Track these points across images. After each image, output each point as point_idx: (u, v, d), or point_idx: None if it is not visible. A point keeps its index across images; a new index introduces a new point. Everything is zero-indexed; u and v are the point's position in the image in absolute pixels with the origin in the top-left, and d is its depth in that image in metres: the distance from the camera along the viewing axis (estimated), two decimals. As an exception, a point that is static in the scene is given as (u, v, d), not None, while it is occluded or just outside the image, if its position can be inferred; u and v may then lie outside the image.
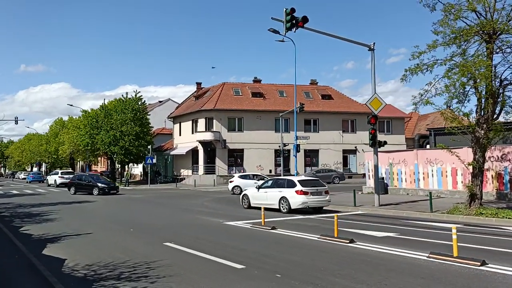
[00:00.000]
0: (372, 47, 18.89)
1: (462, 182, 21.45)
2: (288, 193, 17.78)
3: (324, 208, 18.70)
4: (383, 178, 24.63)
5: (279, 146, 43.11)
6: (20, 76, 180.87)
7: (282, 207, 17.92)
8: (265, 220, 13.77)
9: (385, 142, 19.45)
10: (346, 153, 46.87)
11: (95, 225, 15.42)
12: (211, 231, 13.29)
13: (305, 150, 45.75)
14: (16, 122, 53.59)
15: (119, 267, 8.48)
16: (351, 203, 19.77)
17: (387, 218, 16.09)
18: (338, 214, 14.56)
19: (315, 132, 46.42)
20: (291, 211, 17.61)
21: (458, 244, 8.71)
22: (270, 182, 19.83)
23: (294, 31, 16.53)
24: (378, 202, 18.91)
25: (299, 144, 25.76)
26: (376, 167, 19.48)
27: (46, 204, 24.13)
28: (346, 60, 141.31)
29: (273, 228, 13.05)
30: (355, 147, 46.95)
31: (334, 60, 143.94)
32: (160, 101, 68.21)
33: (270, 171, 44.60)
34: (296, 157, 26.04)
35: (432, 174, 22.91)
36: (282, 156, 43.09)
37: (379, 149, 21.30)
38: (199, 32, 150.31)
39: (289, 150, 44.39)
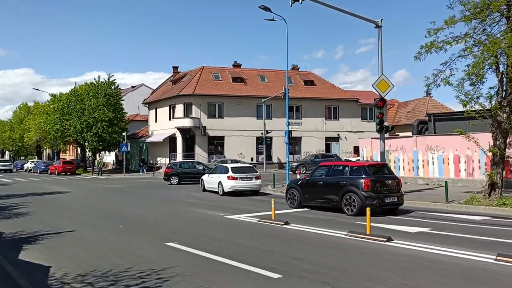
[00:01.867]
0: (379, 24, 17.41)
1: (465, 170, 20.46)
2: (223, 178, 20.30)
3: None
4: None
5: (262, 133, 41.73)
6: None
7: (219, 190, 20.55)
8: (261, 213, 12.15)
9: (393, 128, 18.03)
10: (329, 141, 45.71)
11: (76, 220, 13.45)
12: (215, 227, 11.58)
13: (287, 138, 44.40)
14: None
15: (122, 278, 6.70)
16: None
17: (401, 210, 14.79)
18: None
19: (297, 119, 44.95)
20: (225, 194, 20.07)
21: (501, 240, 7.37)
22: (217, 169, 22.28)
23: (301, 3, 14.83)
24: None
25: (291, 130, 24.19)
26: (382, 154, 18.13)
27: (15, 196, 21.78)
28: (316, 49, 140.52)
29: (287, 223, 11.46)
30: (338, 134, 45.86)
31: (305, 49, 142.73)
32: (133, 87, 65.20)
33: (252, 159, 42.99)
34: (288, 144, 24.46)
35: (433, 162, 21.83)
36: (264, 143, 41.67)
37: (373, 136, 20.07)
38: (169, 15, 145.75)
39: (271, 138, 43.05)
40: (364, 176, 13.01)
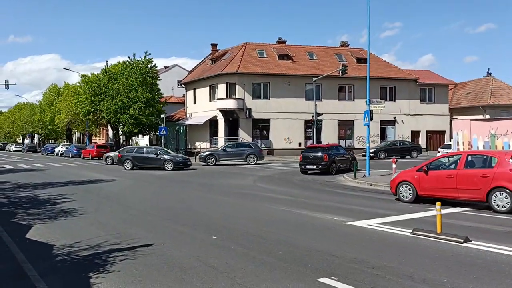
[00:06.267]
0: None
1: None
2: None
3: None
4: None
5: (312, 116, 37.84)
6: (9, 47, 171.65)
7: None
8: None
9: None
10: (384, 124, 41.49)
11: (144, 224, 10.05)
12: (358, 244, 7.91)
13: (338, 121, 40.49)
14: (7, 87, 47.28)
15: None
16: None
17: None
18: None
19: (350, 100, 40.93)
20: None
21: None
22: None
23: None
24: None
25: (372, 110, 20.32)
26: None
27: (53, 184, 18.69)
28: (340, 33, 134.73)
29: (467, 240, 7.74)
30: (394, 117, 41.58)
31: (328, 33, 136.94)
32: (166, 67, 61.87)
33: (300, 144, 39.29)
34: (368, 126, 20.66)
35: (557, 149, 17.70)
36: (315, 127, 37.78)
37: (470, 117, 16.04)
38: (198, 1, 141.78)
39: (321, 121, 39.14)
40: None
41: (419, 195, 12.51)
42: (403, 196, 12.88)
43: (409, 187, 12.71)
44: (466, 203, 11.83)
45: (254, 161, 30.64)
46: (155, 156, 27.06)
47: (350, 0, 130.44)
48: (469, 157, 11.95)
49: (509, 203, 10.60)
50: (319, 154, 22.77)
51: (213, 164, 29.88)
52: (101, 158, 41.03)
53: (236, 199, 14.27)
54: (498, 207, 10.75)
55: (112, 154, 33.81)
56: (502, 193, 10.74)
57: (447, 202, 11.90)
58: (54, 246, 7.89)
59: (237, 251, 7.39)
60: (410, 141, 38.57)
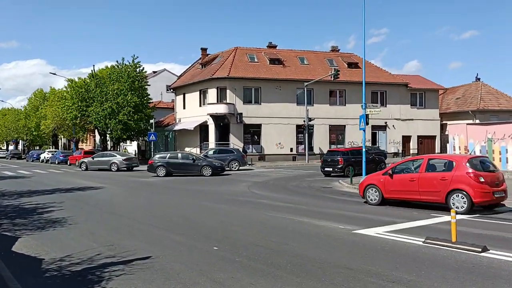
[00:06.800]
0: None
1: None
2: None
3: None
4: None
5: (304, 121, 37.51)
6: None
7: None
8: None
9: None
10: (375, 129, 41.27)
11: (138, 234, 9.47)
12: (368, 254, 7.47)
13: (329, 126, 40.22)
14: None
15: None
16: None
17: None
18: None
19: (341, 105, 40.71)
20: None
21: None
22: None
23: None
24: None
25: (368, 114, 19.96)
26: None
27: (40, 192, 17.94)
28: (327, 39, 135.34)
29: (485, 249, 7.32)
30: (385, 122, 41.45)
31: (316, 39, 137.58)
32: (154, 72, 61.13)
33: (291, 149, 38.94)
34: (364, 130, 20.30)
35: (556, 153, 17.59)
36: (306, 132, 37.48)
37: (466, 122, 15.86)
38: (185, 6, 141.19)
39: (313, 126, 38.85)
40: None
41: (385, 197, 12.95)
42: (370, 199, 13.30)
43: (375, 190, 13.17)
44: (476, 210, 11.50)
45: (236, 167, 30.17)
46: (192, 161, 26.48)
47: (337, 6, 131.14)
48: (430, 161, 12.39)
49: (466, 204, 11.09)
50: (336, 158, 23.98)
51: None
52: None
53: (232, 206, 13.73)
54: (457, 208, 11.03)
55: (86, 160, 34.15)
56: (459, 195, 11.24)
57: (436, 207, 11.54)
58: (43, 260, 7.28)
59: (242, 264, 6.87)
60: (371, 145, 37.92)
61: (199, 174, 25.71)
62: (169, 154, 28.37)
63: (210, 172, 25.62)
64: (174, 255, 7.50)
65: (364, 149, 20.30)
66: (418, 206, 12.49)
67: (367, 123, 20.01)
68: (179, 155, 28.09)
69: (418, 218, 10.82)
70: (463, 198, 11.13)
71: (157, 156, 28.23)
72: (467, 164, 11.36)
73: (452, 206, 11.13)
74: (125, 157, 33.28)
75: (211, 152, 31.39)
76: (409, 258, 7.09)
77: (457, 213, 10.27)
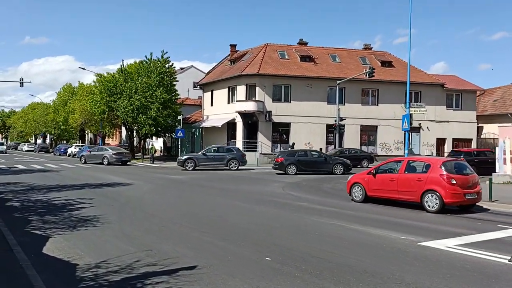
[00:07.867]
0: None
1: None
2: None
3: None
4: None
5: (335, 120, 36.31)
6: (25, 48, 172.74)
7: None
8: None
9: None
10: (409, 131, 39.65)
11: (176, 236, 8.65)
12: (450, 274, 6.42)
13: (361, 126, 38.89)
14: (22, 85, 46.35)
15: None
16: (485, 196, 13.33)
17: None
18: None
19: (373, 105, 39.31)
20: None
21: None
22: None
23: None
24: None
25: (412, 114, 18.75)
26: None
27: (69, 187, 17.43)
28: (353, 39, 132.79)
29: None
30: (419, 124, 39.72)
31: (342, 40, 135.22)
32: (181, 68, 60.68)
33: (321, 149, 37.68)
34: (408, 132, 19.14)
35: None
36: (337, 132, 36.26)
37: (496, 122, 14.51)
38: (212, 4, 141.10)
39: (344, 126, 37.59)
40: None
41: (368, 195, 13.70)
42: (355, 196, 14.11)
43: (360, 188, 13.95)
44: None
45: (235, 166, 29.20)
46: (323, 159, 26.58)
47: (362, 6, 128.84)
48: (410, 163, 13.11)
49: (438, 204, 11.76)
50: None
51: (191, 168, 28.33)
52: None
53: (272, 208, 12.80)
54: (429, 207, 11.92)
55: (84, 153, 35.91)
56: (433, 195, 11.93)
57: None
58: (77, 265, 6.52)
59: (304, 280, 5.94)
60: (359, 149, 36.49)
61: (330, 172, 25.69)
62: (298, 152, 27.72)
63: (342, 171, 25.58)
64: (222, 265, 6.63)
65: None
66: (397, 204, 13.09)
67: (410, 124, 18.82)
68: (308, 153, 27.91)
69: (484, 229, 9.69)
70: (436, 198, 11.77)
71: (286, 153, 27.52)
72: (442, 167, 11.98)
73: (425, 204, 11.98)
74: (115, 151, 34.41)
75: (209, 151, 30.39)
76: (503, 283, 6.02)
77: (429, 211, 11.82)
